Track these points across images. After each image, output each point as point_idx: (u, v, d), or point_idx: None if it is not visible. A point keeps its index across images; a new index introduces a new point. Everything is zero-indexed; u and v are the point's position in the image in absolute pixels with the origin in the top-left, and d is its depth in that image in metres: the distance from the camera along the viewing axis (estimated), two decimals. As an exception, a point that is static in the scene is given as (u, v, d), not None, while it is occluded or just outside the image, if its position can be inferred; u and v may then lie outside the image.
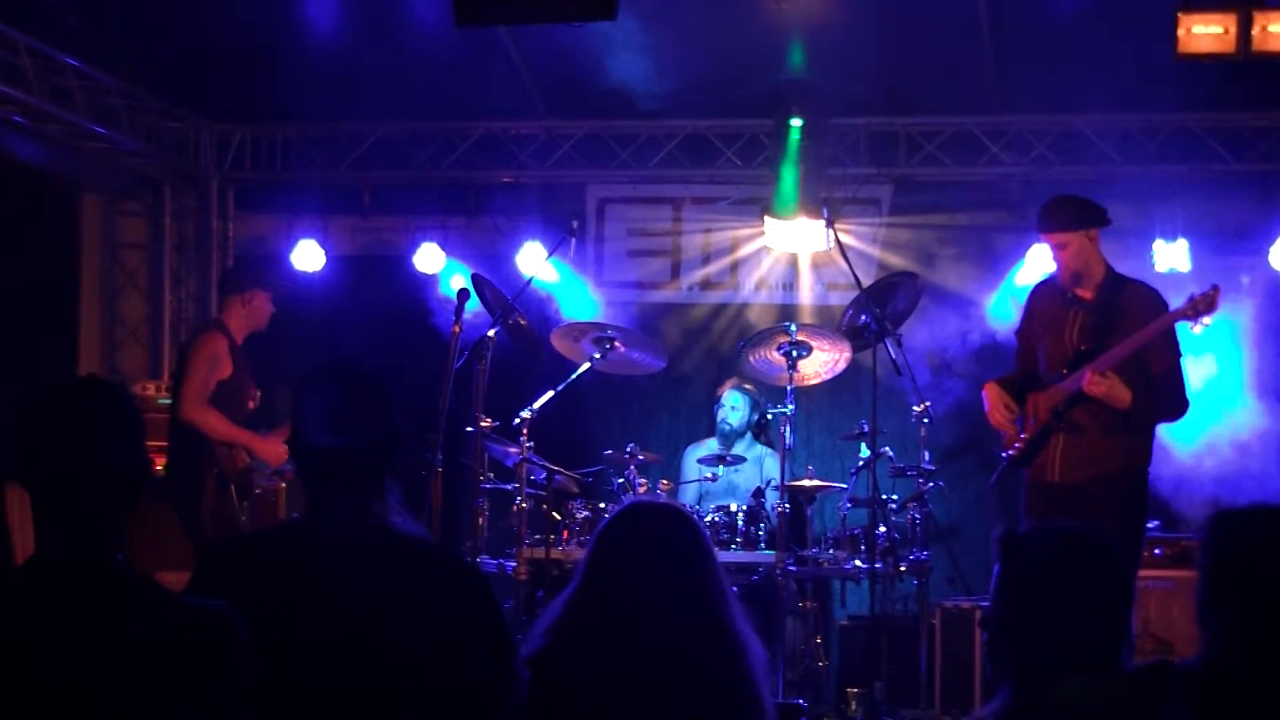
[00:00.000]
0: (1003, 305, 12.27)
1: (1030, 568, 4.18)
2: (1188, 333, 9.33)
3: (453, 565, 4.50)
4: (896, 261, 12.81)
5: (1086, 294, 9.19)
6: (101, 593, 3.60)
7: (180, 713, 3.54)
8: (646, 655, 4.55)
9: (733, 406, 12.04)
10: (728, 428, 12.05)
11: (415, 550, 4.40)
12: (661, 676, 4.54)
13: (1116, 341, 8.94)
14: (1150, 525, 11.09)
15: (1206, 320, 9.00)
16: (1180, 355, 9.10)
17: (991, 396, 9.39)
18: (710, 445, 12.03)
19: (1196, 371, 11.88)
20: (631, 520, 4.83)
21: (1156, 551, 10.97)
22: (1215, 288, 9.02)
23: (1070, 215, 9.18)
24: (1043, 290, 9.59)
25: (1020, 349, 9.63)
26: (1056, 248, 9.17)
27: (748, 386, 12.05)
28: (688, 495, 11.78)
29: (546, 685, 4.57)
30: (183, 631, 3.60)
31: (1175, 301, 9.29)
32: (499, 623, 4.42)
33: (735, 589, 10.29)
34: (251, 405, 10.69)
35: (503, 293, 10.54)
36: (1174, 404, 9.12)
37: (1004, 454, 9.39)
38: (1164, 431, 10.78)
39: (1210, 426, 11.97)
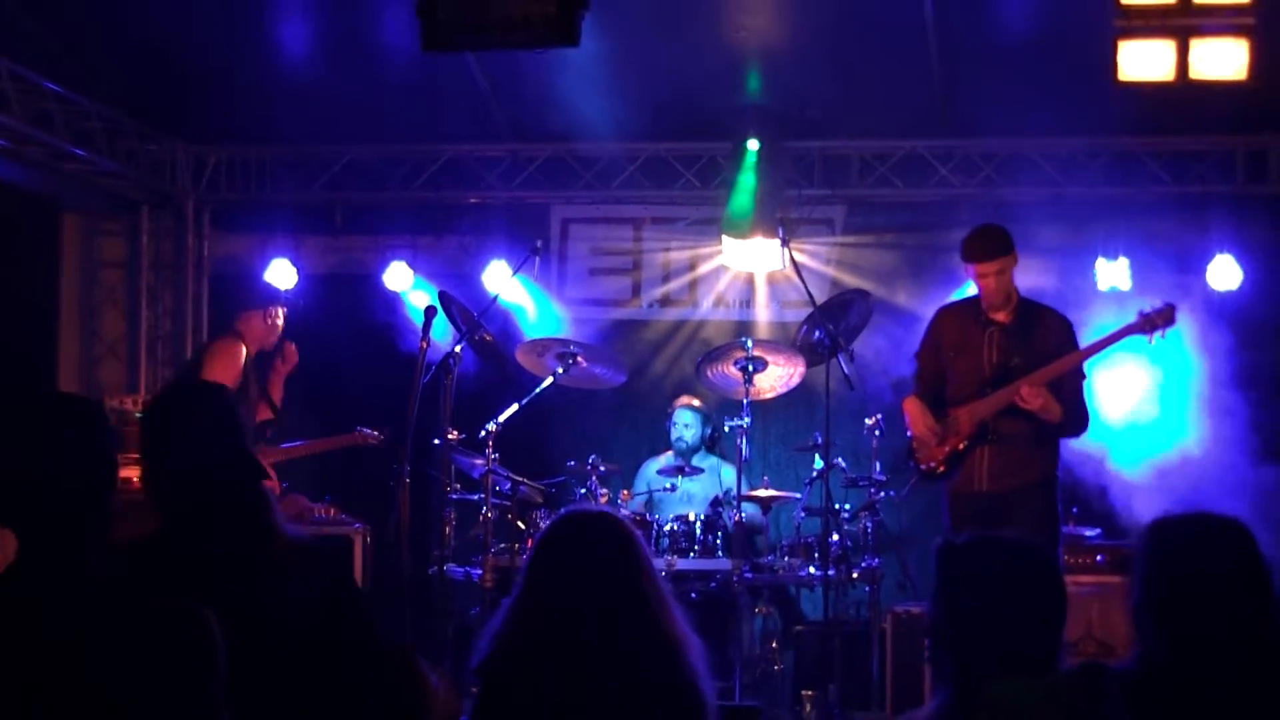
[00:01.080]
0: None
1: (970, 577, 4.31)
2: (1136, 347, 9.71)
3: (309, 554, 4.67)
4: (849, 279, 12.98)
5: (1001, 316, 9.56)
6: (74, 596, 3.65)
7: (155, 711, 3.58)
8: (587, 659, 4.60)
9: (685, 424, 12.22)
10: (684, 445, 12.21)
11: (273, 545, 4.59)
12: (603, 679, 4.59)
13: (1039, 359, 9.35)
14: (1091, 533, 11.45)
15: (1162, 334, 9.38)
16: (1085, 377, 9.57)
17: (914, 410, 9.72)
18: (668, 459, 12.17)
19: (1138, 386, 12.24)
20: (567, 528, 4.86)
21: (1099, 558, 11.14)
22: (1170, 305, 9.40)
23: (1007, 241, 9.52)
24: (950, 314, 9.94)
25: (923, 370, 9.97)
26: (996, 274, 9.47)
27: (696, 403, 12.25)
28: (638, 505, 12.01)
29: (494, 693, 4.65)
30: (154, 630, 3.64)
31: (1110, 319, 9.70)
32: (357, 605, 4.61)
33: (694, 594, 10.63)
34: (262, 418, 10.98)
35: (469, 309, 10.68)
36: (1083, 420, 9.60)
37: (921, 466, 9.75)
38: (1104, 444, 11.19)
39: (1151, 440, 12.23)
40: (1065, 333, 9.61)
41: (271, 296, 10.93)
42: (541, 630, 4.67)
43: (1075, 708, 4.03)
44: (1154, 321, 9.32)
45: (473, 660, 4.76)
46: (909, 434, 9.82)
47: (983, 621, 4.23)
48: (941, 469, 9.60)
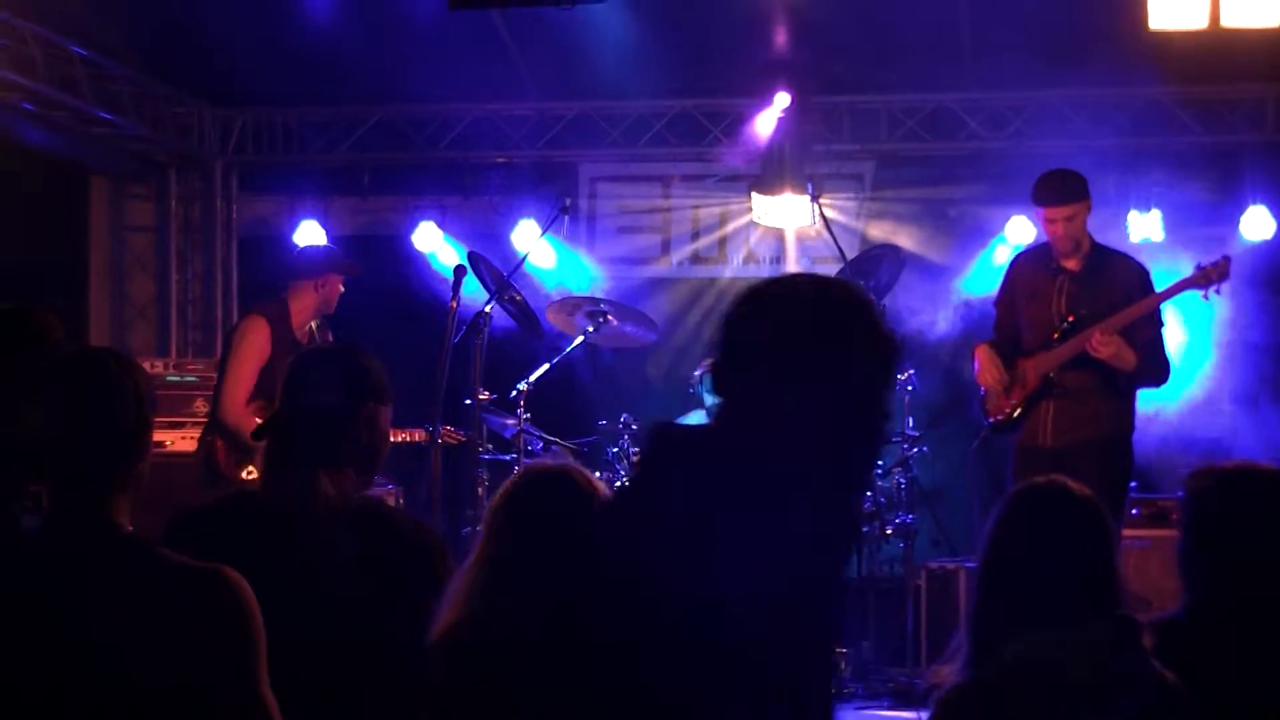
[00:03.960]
0: (981, 275, 12.45)
1: (1024, 523, 4.21)
2: (1178, 302, 9.65)
3: (407, 529, 4.68)
4: (879, 235, 13.03)
5: (1072, 264, 9.35)
6: (102, 556, 3.65)
7: (184, 671, 3.59)
8: (545, 622, 4.30)
9: None
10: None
11: (368, 514, 4.61)
12: (562, 642, 4.19)
13: (1107, 309, 9.18)
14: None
15: (1217, 289, 9.22)
16: (1162, 325, 9.29)
17: (984, 358, 9.43)
18: (696, 417, 12.15)
19: (1172, 339, 12.21)
20: (522, 487, 4.73)
21: (1135, 511, 11.06)
22: (1226, 258, 9.28)
23: (1079, 187, 9.27)
24: (1024, 260, 9.70)
25: (999, 319, 9.68)
26: (1066, 219, 9.19)
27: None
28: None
29: (451, 661, 4.49)
30: (183, 592, 3.64)
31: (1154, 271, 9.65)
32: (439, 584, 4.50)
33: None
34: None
35: (499, 269, 10.65)
36: (1161, 370, 9.30)
37: (988, 419, 9.61)
38: (1143, 396, 11.13)
39: (1185, 392, 12.24)
40: (1136, 279, 9.31)
41: (328, 262, 10.53)
42: (497, 597, 4.53)
43: (1107, 659, 3.99)
44: (1210, 275, 9.13)
45: (430, 629, 4.53)
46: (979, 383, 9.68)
47: (1027, 574, 4.12)
48: (1009, 421, 9.41)
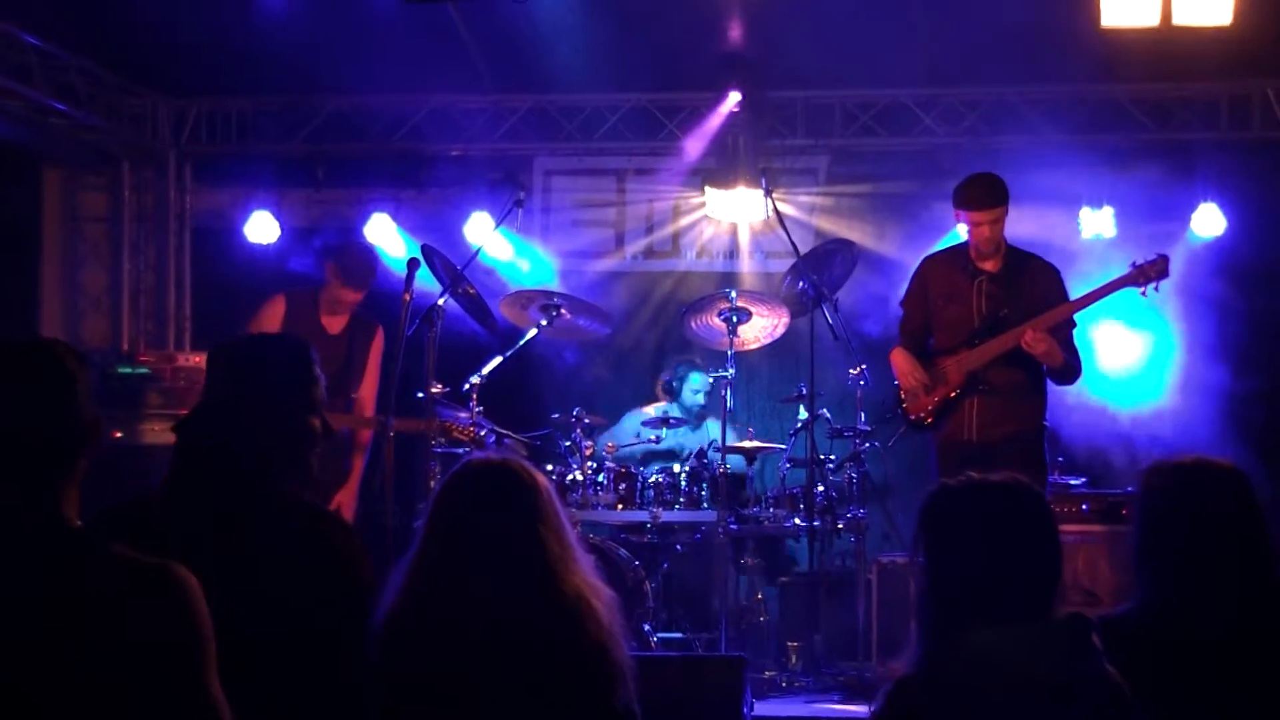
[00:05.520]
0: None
1: (960, 521, 4.19)
2: (1124, 298, 9.73)
3: (325, 522, 4.65)
4: (833, 230, 12.96)
5: (989, 265, 9.52)
6: (52, 551, 3.60)
7: (134, 667, 3.54)
8: (484, 614, 4.52)
9: (695, 389, 12.24)
10: (700, 407, 12.26)
11: (285, 507, 4.57)
12: (502, 634, 4.52)
13: (1029, 309, 9.32)
14: (1076, 482, 11.48)
15: (1155, 286, 9.38)
16: (1075, 324, 9.55)
17: (903, 362, 9.72)
18: (659, 409, 12.10)
19: (1122, 334, 12.28)
20: (464, 479, 4.76)
21: (1084, 507, 11.17)
22: (1163, 256, 9.39)
23: (1004, 190, 9.46)
24: (936, 262, 9.89)
25: (908, 319, 9.92)
26: (992, 223, 9.41)
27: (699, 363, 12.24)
28: (624, 456, 11.96)
29: (393, 650, 4.55)
30: (133, 588, 3.59)
31: (1094, 267, 9.70)
32: (360, 582, 4.52)
33: (680, 546, 10.61)
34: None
35: (452, 262, 10.62)
36: (1078, 367, 9.58)
37: (910, 416, 9.75)
38: (1089, 392, 11.20)
39: (1135, 387, 12.32)
40: (1053, 281, 9.58)
41: (340, 256, 10.92)
42: (438, 585, 4.60)
43: (1058, 657, 3.97)
44: (1147, 273, 9.31)
45: (374, 617, 4.61)
46: (896, 384, 9.81)
47: (973, 568, 4.10)
48: (930, 419, 9.61)
